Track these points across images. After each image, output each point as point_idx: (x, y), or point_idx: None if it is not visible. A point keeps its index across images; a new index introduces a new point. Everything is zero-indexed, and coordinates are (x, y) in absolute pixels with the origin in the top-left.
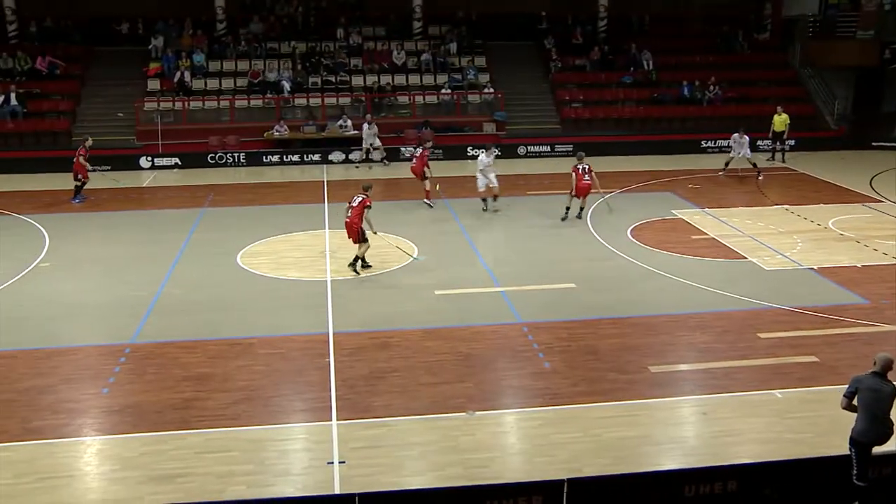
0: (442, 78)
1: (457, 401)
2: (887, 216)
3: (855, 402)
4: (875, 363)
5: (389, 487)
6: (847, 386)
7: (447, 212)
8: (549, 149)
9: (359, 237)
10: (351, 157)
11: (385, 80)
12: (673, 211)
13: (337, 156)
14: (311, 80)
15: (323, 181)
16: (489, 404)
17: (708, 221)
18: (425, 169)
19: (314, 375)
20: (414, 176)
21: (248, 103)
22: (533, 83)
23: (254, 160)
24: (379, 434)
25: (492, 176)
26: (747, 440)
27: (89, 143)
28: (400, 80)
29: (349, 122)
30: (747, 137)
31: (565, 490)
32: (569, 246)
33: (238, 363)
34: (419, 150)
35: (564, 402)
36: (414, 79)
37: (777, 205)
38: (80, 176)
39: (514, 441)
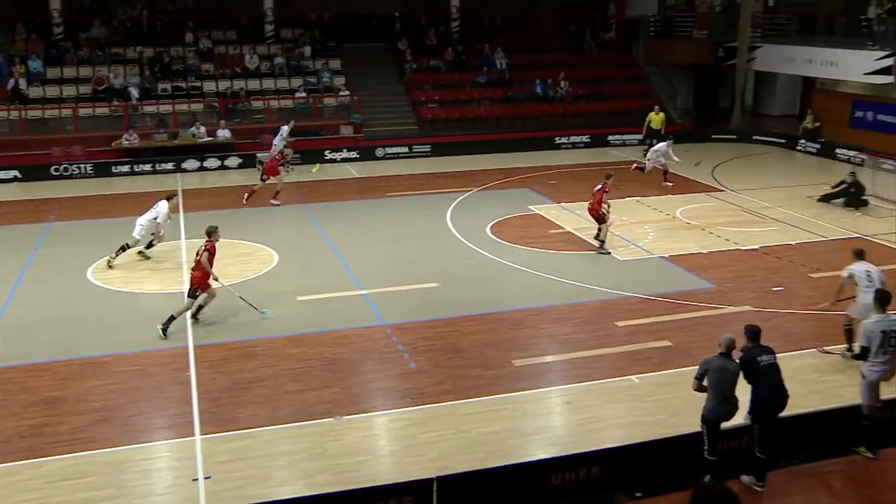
0: (297, 81)
1: (324, 406)
2: (728, 204)
3: (705, 382)
4: (720, 345)
5: (258, 500)
6: (697, 368)
7: (305, 216)
8: (407, 150)
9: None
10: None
11: (238, 84)
12: (530, 207)
13: (191, 164)
14: (160, 86)
15: (178, 190)
16: (356, 408)
17: (564, 216)
18: (280, 168)
19: (175, 390)
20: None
21: (94, 111)
22: (388, 84)
23: (102, 171)
24: (245, 446)
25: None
26: (609, 425)
27: None
28: (254, 84)
29: (203, 129)
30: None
31: (435, 489)
32: (430, 245)
33: (92, 383)
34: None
35: (431, 401)
36: (268, 83)
37: (629, 197)
38: None
39: (383, 443)
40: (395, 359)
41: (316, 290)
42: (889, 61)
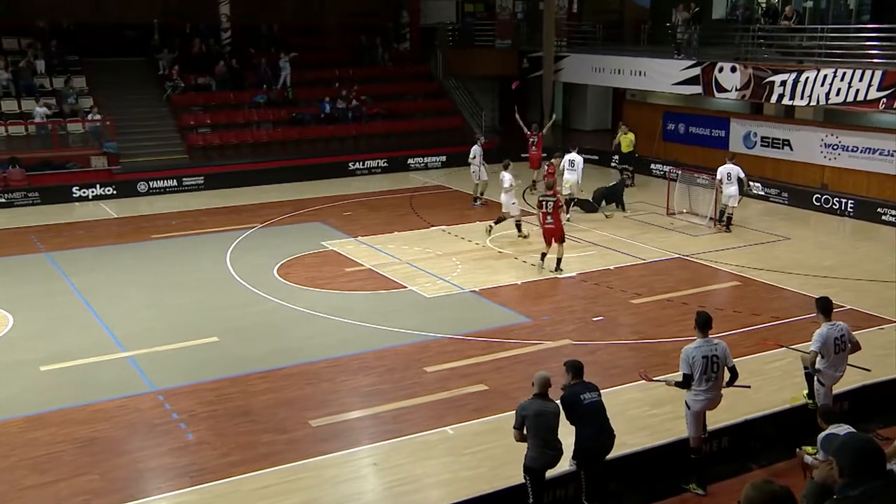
0: (29, 103)
1: (78, 499)
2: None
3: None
4: (534, 385)
5: None
6: (514, 417)
7: (49, 267)
8: (175, 183)
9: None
10: None
11: None
12: (323, 242)
13: None
14: None
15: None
16: (121, 496)
17: (362, 251)
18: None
19: None
20: None
21: None
22: (149, 106)
23: None
24: None
25: None
26: (424, 486)
27: None
28: None
29: None
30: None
31: None
32: (206, 294)
33: None
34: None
35: (216, 477)
36: None
37: (433, 226)
38: None
39: None
40: (170, 430)
41: (66, 356)
42: (696, 71)
